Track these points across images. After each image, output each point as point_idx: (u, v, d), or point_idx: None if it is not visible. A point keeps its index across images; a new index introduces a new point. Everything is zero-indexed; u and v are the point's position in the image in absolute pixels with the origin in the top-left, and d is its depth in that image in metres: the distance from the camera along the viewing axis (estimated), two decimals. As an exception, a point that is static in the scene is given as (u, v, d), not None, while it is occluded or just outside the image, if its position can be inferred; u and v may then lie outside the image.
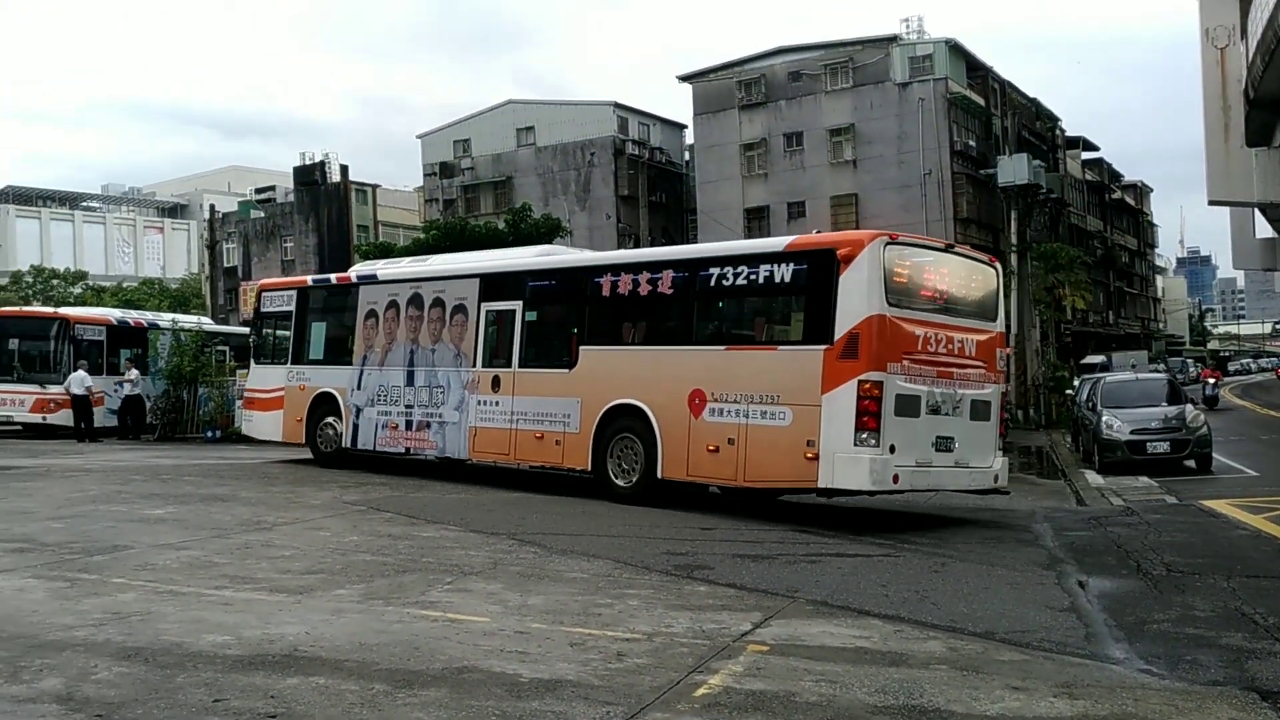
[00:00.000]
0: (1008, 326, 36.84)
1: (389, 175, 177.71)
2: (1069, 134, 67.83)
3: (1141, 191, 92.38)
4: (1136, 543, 10.92)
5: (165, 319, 29.54)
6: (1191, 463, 19.14)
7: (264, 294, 19.71)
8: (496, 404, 14.91)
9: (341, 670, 5.68)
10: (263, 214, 69.01)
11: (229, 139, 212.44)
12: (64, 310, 29.40)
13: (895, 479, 11.33)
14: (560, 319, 15.07)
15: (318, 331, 18.45)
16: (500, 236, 39.30)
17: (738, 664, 6.00)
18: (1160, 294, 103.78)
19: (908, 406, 11.43)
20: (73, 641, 6.14)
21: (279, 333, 18.94)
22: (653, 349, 13.56)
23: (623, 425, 13.37)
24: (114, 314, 29.43)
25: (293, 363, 18.33)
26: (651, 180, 59.31)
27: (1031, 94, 61.08)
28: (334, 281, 19.12)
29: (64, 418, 25.07)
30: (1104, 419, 19.78)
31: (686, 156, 62.40)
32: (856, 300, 11.27)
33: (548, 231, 42.35)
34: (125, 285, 65.89)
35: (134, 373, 25.87)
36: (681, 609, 7.38)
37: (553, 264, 15.58)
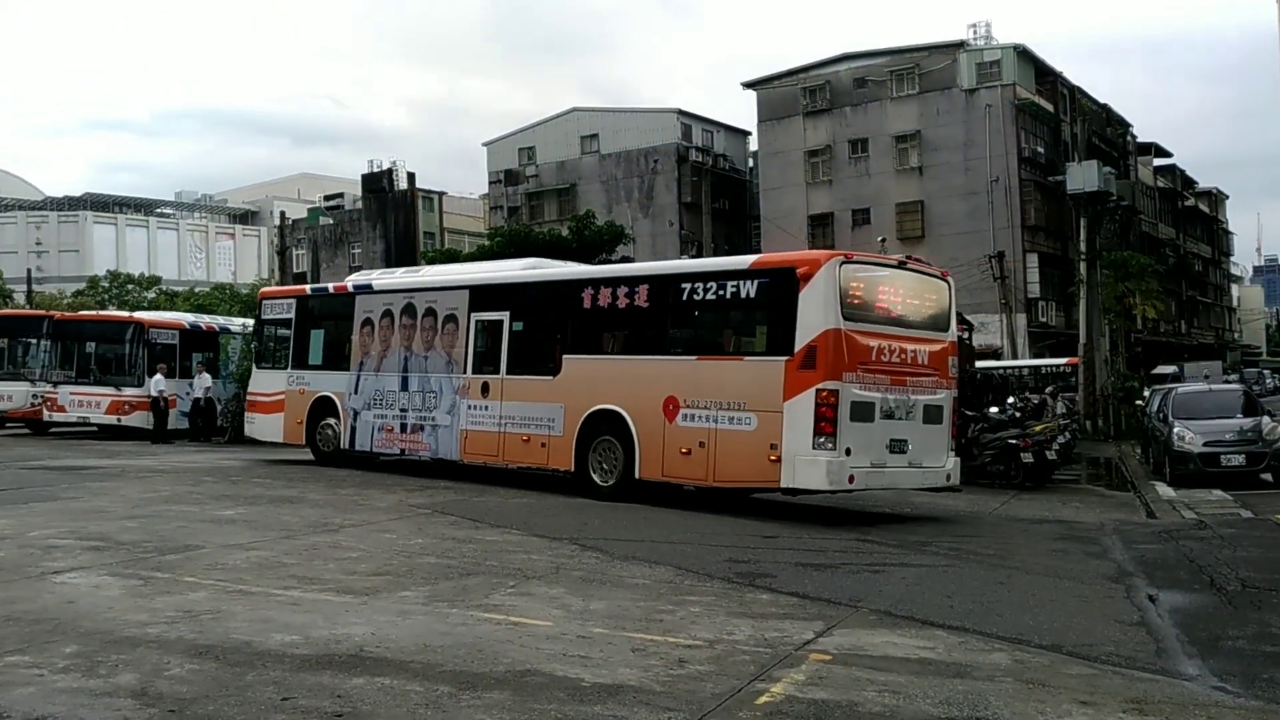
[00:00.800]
0: (1080, 335, 36.35)
1: (455, 182, 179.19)
2: (1140, 140, 66.65)
3: (1216, 198, 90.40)
4: (1210, 557, 10.66)
5: (236, 323, 30.05)
6: (1268, 476, 18.65)
7: (264, 302, 20.57)
8: (486, 408, 15.78)
9: (406, 671, 5.74)
10: (331, 221, 70.07)
11: (299, 147, 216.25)
12: (138, 314, 30.05)
13: (851, 479, 12.19)
14: (545, 329, 15.73)
15: (317, 338, 19.22)
16: (564, 244, 39.46)
17: (800, 673, 5.97)
18: (1236, 303, 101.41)
19: (863, 412, 12.30)
20: (146, 638, 6.28)
21: (280, 339, 19.73)
22: (630, 358, 14.38)
23: (603, 429, 14.20)
24: (187, 318, 30.05)
25: (293, 368, 19.13)
26: (715, 187, 59.34)
27: (1102, 100, 60.19)
28: (331, 291, 20.15)
29: (138, 419, 25.65)
30: (1175, 430, 19.36)
31: (750, 163, 62.28)
32: (814, 315, 12.17)
33: (611, 239, 42.45)
34: (197, 290, 67.18)
35: (205, 376, 26.36)
36: (743, 617, 7.36)
37: (538, 277, 16.59)
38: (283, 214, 61.32)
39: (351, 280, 20.08)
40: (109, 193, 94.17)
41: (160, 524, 11.05)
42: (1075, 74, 61.83)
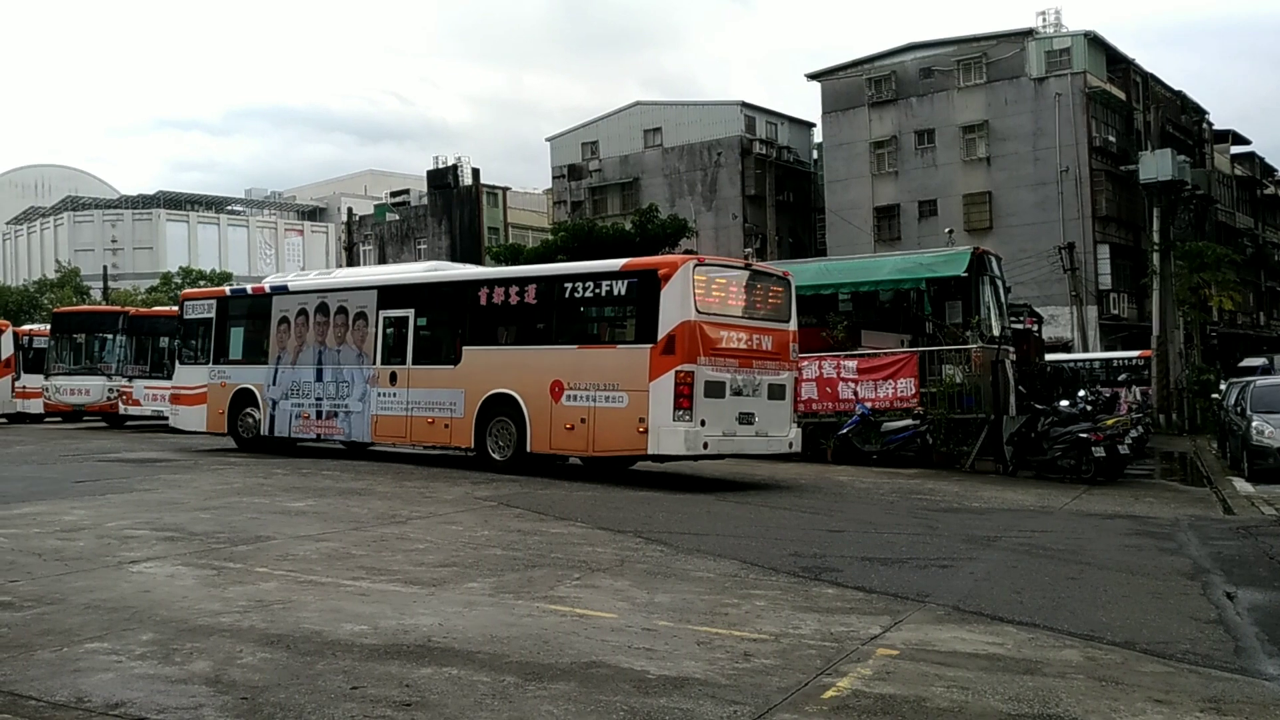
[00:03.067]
0: (1154, 328, 35.62)
1: (519, 178, 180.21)
2: (1218, 128, 65.02)
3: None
4: (1290, 554, 10.40)
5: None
6: (1351, 472, 18.08)
7: (186, 303, 21.96)
8: (394, 395, 17.54)
9: (473, 661, 5.79)
10: (397, 216, 70.85)
11: (365, 144, 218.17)
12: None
13: (705, 446, 14.24)
14: (446, 324, 17.57)
15: (236, 336, 20.64)
16: (628, 238, 39.50)
17: (866, 667, 5.92)
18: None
19: (715, 390, 14.34)
20: (219, 627, 6.40)
21: (201, 337, 21.06)
22: (521, 348, 16.23)
23: (498, 410, 16.07)
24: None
25: (214, 363, 20.62)
26: (779, 180, 58.99)
27: (1177, 87, 58.86)
28: (250, 292, 21.45)
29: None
30: (1254, 424, 18.86)
31: (815, 155, 61.80)
32: (673, 309, 14.19)
33: (674, 232, 42.40)
34: (267, 286, 68.08)
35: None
36: (809, 611, 7.31)
37: (439, 278, 18.36)
38: (350, 210, 62.08)
39: (268, 282, 21.68)
40: (181, 191, 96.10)
41: (232, 515, 11.26)
42: (1147, 60, 60.55)
